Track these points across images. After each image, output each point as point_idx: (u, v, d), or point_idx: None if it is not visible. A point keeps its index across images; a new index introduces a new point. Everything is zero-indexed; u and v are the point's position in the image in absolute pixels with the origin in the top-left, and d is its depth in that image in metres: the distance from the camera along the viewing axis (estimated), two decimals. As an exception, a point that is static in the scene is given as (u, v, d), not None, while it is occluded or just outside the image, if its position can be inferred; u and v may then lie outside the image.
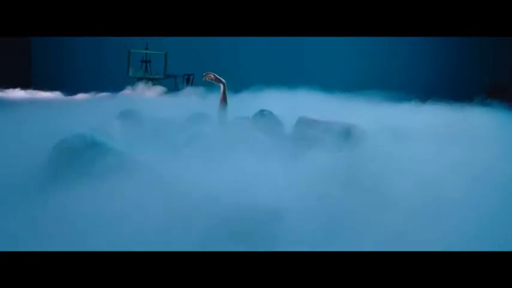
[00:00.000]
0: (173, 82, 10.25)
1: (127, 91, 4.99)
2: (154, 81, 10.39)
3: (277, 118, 2.62)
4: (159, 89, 6.89)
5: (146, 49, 10.28)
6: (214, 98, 5.56)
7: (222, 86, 2.85)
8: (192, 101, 4.53)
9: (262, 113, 2.63)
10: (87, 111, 3.54)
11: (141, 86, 6.85)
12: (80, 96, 4.98)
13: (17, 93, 5.30)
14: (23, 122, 3.01)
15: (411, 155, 2.21)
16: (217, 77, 2.86)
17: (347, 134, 2.16)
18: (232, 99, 3.30)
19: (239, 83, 4.83)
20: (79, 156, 1.68)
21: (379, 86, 5.28)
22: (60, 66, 10.59)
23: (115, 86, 8.06)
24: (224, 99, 2.84)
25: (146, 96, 4.69)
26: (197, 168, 1.99)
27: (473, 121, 3.53)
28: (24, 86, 8.88)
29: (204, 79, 2.89)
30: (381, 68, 10.09)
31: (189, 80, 10.29)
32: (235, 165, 2.08)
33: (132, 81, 9.78)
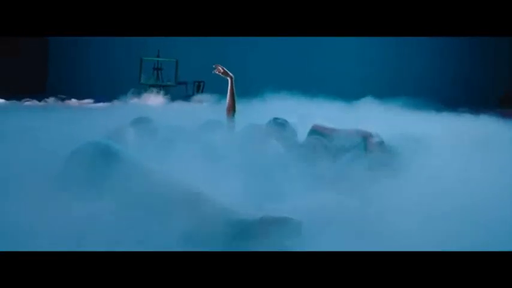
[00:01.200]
0: (184, 89, 10.33)
1: (139, 98, 5.01)
2: (166, 88, 10.49)
3: (291, 126, 2.59)
4: (170, 96, 6.93)
5: (158, 57, 10.39)
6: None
7: (229, 80, 2.81)
8: (204, 107, 4.53)
9: (276, 121, 2.60)
10: (100, 118, 3.56)
11: (153, 93, 6.91)
12: (94, 103, 5.02)
13: (31, 100, 5.35)
14: (37, 128, 3.03)
15: (429, 163, 2.16)
16: (226, 70, 2.84)
17: (364, 142, 2.12)
18: (243, 106, 3.28)
19: (249, 90, 4.83)
20: (93, 164, 1.67)
21: (394, 92, 5.21)
22: (73, 72, 10.75)
23: (127, 92, 8.14)
24: (232, 95, 2.81)
25: (158, 103, 4.70)
26: (211, 178, 1.97)
27: (487, 129, 3.47)
28: (39, 92, 9.04)
29: (212, 72, 2.86)
30: (394, 73, 9.98)
31: (200, 87, 10.35)
32: (250, 174, 2.05)
33: (144, 88, 9.89)
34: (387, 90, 5.96)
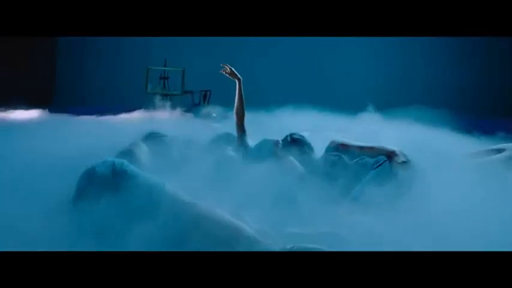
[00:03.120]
0: (190, 98, 10.29)
1: (147, 109, 4.93)
2: (172, 97, 10.45)
3: (308, 142, 2.50)
4: (178, 105, 6.86)
5: (164, 66, 10.39)
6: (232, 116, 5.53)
7: (237, 82, 2.70)
8: (214, 119, 4.44)
9: (292, 136, 2.50)
10: (110, 131, 3.48)
11: (160, 103, 6.86)
12: (102, 115, 4.94)
13: (37, 112, 5.28)
14: (47, 140, 2.96)
15: (454, 183, 2.06)
16: (234, 71, 2.72)
17: (388, 160, 2.02)
18: (252, 119, 3.19)
19: (258, 101, 4.75)
20: (106, 185, 1.59)
21: (407, 102, 5.11)
22: (80, 83, 10.76)
23: (134, 103, 8.09)
24: (240, 98, 2.69)
25: (168, 114, 4.63)
26: (228, 200, 1.88)
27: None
28: (46, 102, 9.01)
29: (220, 71, 2.76)
30: (406, 83, 9.82)
31: (206, 96, 10.31)
32: (269, 195, 1.96)
33: (150, 97, 9.85)
34: (400, 101, 5.85)
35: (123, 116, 4.89)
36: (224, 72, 2.76)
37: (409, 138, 3.38)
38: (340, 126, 4.82)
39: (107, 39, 10.86)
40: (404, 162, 1.94)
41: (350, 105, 5.68)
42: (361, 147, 2.28)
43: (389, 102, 5.43)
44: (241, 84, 2.70)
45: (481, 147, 2.85)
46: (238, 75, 2.73)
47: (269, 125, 4.60)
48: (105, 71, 10.90)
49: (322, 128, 4.53)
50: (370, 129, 4.47)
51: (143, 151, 2.07)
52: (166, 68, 10.51)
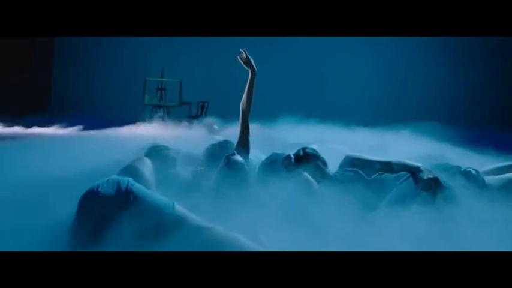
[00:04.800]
0: (187, 109, 10.18)
1: (146, 121, 4.78)
2: (169, 108, 10.34)
3: (321, 156, 2.36)
4: (176, 118, 6.73)
5: (162, 77, 10.29)
6: (232, 127, 5.39)
7: (250, 72, 2.51)
8: (216, 131, 4.31)
9: (305, 150, 2.37)
10: (109, 145, 3.33)
11: (157, 114, 6.74)
12: (98, 125, 4.78)
13: (32, 121, 5.11)
14: (41, 155, 2.81)
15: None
16: (250, 60, 2.53)
17: (411, 177, 1.89)
18: (255, 130, 3.06)
19: (254, 112, 4.63)
20: (111, 207, 1.44)
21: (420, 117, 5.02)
22: (77, 93, 10.63)
23: (131, 113, 7.95)
24: (249, 90, 2.50)
25: (168, 126, 4.48)
26: (240, 216, 1.74)
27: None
28: (41, 109, 8.83)
29: (237, 57, 2.55)
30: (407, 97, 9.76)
31: (204, 108, 10.21)
32: (285, 215, 1.81)
33: (147, 109, 9.72)
34: (403, 115, 5.77)
35: (123, 128, 4.73)
36: (239, 58, 2.56)
37: (418, 153, 3.26)
38: (343, 138, 4.71)
39: (105, 49, 10.78)
40: (431, 179, 1.81)
41: (350, 117, 5.60)
42: (379, 162, 2.15)
43: (392, 116, 5.35)
44: (254, 76, 2.51)
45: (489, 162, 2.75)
46: (254, 66, 2.53)
47: (269, 137, 4.48)
48: (102, 81, 10.78)
49: (324, 141, 4.40)
50: (374, 142, 4.37)
51: (148, 167, 1.92)
52: (163, 79, 10.42)
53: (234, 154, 2.30)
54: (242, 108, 2.52)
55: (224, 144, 2.59)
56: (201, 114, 9.96)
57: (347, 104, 9.13)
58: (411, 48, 9.76)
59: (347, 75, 10.04)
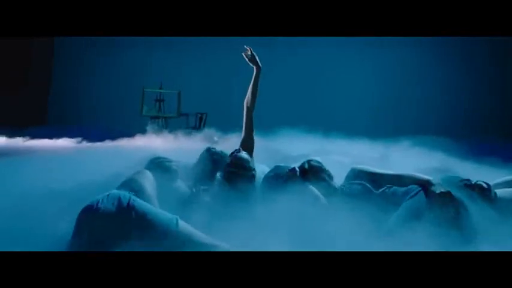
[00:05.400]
0: (185, 120, 10.13)
1: (145, 133, 4.68)
2: (167, 119, 10.28)
3: (326, 168, 2.30)
4: (174, 129, 6.67)
5: (160, 88, 10.25)
6: (231, 139, 5.33)
7: (255, 69, 2.52)
8: (217, 144, 4.24)
9: (310, 163, 2.31)
10: (108, 158, 3.25)
11: (156, 126, 6.67)
12: (98, 140, 4.69)
13: (31, 133, 5.02)
14: (40, 168, 2.73)
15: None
16: (255, 57, 2.53)
17: (423, 191, 1.82)
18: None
19: (256, 123, 4.59)
20: (111, 223, 1.36)
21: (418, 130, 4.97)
22: (75, 104, 10.56)
23: (129, 124, 7.88)
24: (254, 87, 2.50)
25: (166, 138, 4.40)
26: (245, 230, 1.67)
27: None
28: (39, 122, 8.74)
29: (242, 53, 2.56)
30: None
31: (202, 119, 10.16)
32: (287, 225, 1.74)
33: (145, 120, 9.66)
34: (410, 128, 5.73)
35: (122, 140, 4.65)
36: (244, 55, 2.57)
37: (421, 165, 3.21)
38: (343, 150, 4.65)
39: (103, 59, 10.76)
40: (444, 193, 1.74)
41: (350, 128, 5.55)
42: (387, 175, 2.09)
43: (392, 127, 5.31)
44: (259, 73, 2.52)
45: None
46: (259, 63, 2.54)
47: (269, 149, 4.42)
48: (101, 91, 10.73)
49: (324, 152, 4.35)
50: (375, 153, 4.31)
51: (149, 180, 1.84)
52: (162, 91, 10.37)
53: (239, 151, 2.28)
54: (246, 105, 2.51)
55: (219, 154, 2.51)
56: (200, 126, 9.90)
57: (347, 115, 9.10)
58: (411, 58, 9.80)
59: (346, 85, 10.04)
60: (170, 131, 6.40)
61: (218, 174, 2.22)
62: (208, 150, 2.33)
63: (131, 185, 1.75)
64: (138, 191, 1.66)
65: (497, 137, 6.85)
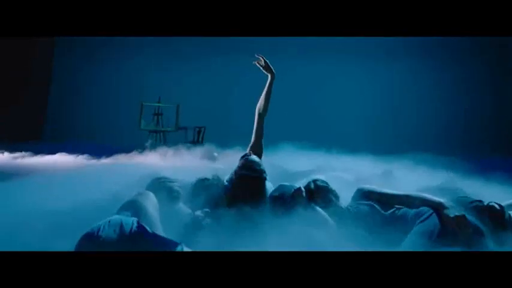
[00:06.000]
0: (184, 134, 10.07)
1: (144, 150, 4.57)
2: (166, 133, 10.22)
3: (333, 189, 2.23)
4: (173, 143, 6.58)
5: (159, 102, 10.23)
6: (230, 154, 5.24)
7: (269, 76, 2.59)
8: (217, 160, 4.17)
9: (316, 183, 2.24)
10: (107, 176, 3.17)
11: (154, 142, 6.60)
12: (95, 157, 4.59)
13: (25, 149, 4.90)
14: (33, 188, 2.64)
15: None
16: (269, 64, 2.61)
17: (435, 214, 1.76)
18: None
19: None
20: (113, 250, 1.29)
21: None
22: (72, 117, 10.50)
23: (126, 139, 7.81)
24: (267, 94, 2.57)
25: (165, 155, 4.32)
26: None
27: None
28: (34, 138, 8.64)
29: (253, 62, 2.64)
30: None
31: (201, 133, 10.11)
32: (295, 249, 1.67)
33: (144, 134, 9.59)
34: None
35: (119, 156, 4.57)
36: (258, 64, 2.64)
37: (427, 183, 3.14)
38: (345, 165, 4.59)
39: (100, 72, 10.75)
40: (458, 216, 1.68)
41: (350, 145, 5.51)
42: (396, 196, 2.03)
43: (394, 144, 5.27)
44: (273, 80, 2.59)
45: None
46: (273, 70, 2.61)
47: (270, 165, 4.34)
48: (98, 106, 10.69)
49: (326, 168, 4.28)
50: (377, 170, 4.25)
51: (152, 202, 1.77)
52: (160, 104, 10.35)
53: (250, 154, 2.28)
54: (259, 111, 2.57)
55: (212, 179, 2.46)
56: (198, 140, 9.85)
57: (348, 130, 9.08)
58: (408, 75, 9.85)
59: (348, 102, 10.06)
60: (169, 146, 6.33)
61: (226, 179, 2.19)
62: (199, 181, 2.29)
63: (133, 207, 1.68)
64: (141, 214, 1.59)
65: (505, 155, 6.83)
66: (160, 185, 2.04)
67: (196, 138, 9.86)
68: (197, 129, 10.05)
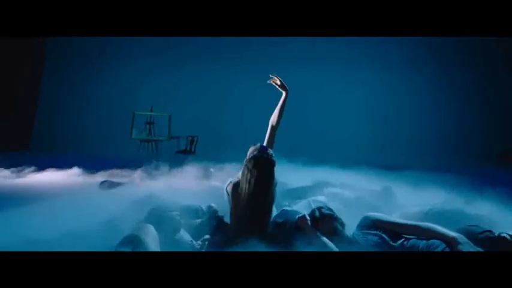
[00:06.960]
0: (176, 143, 9.96)
1: (135, 168, 4.39)
2: (158, 142, 10.08)
3: (339, 217, 2.16)
4: (165, 153, 6.44)
5: (151, 111, 10.10)
6: (226, 168, 5.09)
7: (284, 93, 2.72)
8: (213, 175, 4.04)
9: (320, 210, 2.16)
10: (100, 197, 3.03)
11: (147, 150, 6.46)
12: (85, 168, 4.39)
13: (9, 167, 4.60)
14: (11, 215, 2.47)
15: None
16: (283, 83, 2.75)
17: (445, 246, 1.68)
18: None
19: (244, 148, 4.46)
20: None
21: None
22: (61, 127, 10.31)
23: (118, 148, 7.66)
24: (281, 109, 2.67)
25: (159, 174, 4.15)
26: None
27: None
28: (22, 147, 8.40)
29: (268, 82, 2.79)
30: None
31: (193, 142, 10.00)
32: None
33: (135, 144, 9.44)
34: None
35: (113, 172, 4.40)
36: (273, 83, 2.78)
37: (425, 201, 3.06)
38: (343, 182, 4.50)
39: (93, 82, 10.59)
40: (465, 247, 1.61)
41: (348, 160, 5.46)
42: (405, 225, 1.95)
43: (394, 162, 5.23)
44: (287, 96, 2.72)
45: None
46: (287, 87, 2.75)
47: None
48: (91, 116, 10.52)
49: (323, 185, 4.18)
50: (377, 186, 4.19)
51: (152, 236, 1.67)
52: (152, 113, 10.22)
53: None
54: (272, 123, 2.68)
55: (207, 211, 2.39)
56: (191, 149, 9.73)
57: (346, 147, 9.06)
58: (403, 87, 9.91)
59: (345, 117, 10.07)
60: (163, 159, 6.20)
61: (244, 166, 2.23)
62: (195, 212, 2.34)
63: (132, 242, 1.58)
64: (141, 248, 1.49)
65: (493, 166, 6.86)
66: (160, 216, 1.93)
67: (188, 148, 9.75)
68: (190, 138, 9.95)
